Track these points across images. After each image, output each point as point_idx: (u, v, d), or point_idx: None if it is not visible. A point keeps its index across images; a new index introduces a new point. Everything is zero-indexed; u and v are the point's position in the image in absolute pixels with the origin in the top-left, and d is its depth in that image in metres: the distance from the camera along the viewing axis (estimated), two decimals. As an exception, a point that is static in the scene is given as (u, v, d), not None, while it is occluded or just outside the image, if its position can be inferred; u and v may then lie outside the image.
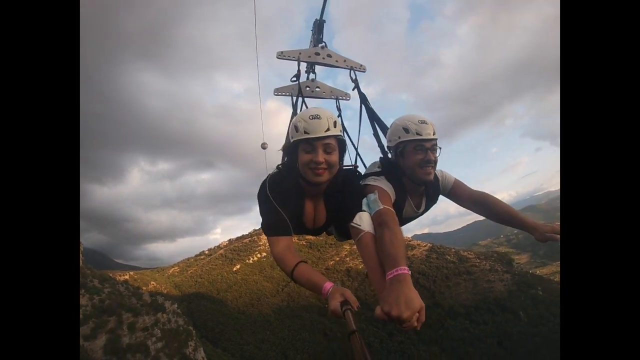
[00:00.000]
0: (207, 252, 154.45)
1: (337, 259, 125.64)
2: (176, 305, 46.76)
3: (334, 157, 1.83)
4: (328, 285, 1.54)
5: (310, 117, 1.79)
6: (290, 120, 2.12)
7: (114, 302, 41.16)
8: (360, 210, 1.85)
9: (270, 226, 1.82)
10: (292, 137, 1.85)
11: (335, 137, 1.83)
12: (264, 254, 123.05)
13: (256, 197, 1.94)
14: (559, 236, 1.76)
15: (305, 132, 1.77)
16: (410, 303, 1.29)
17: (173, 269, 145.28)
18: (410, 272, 1.43)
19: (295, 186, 1.93)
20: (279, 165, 2.03)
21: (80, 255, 52.73)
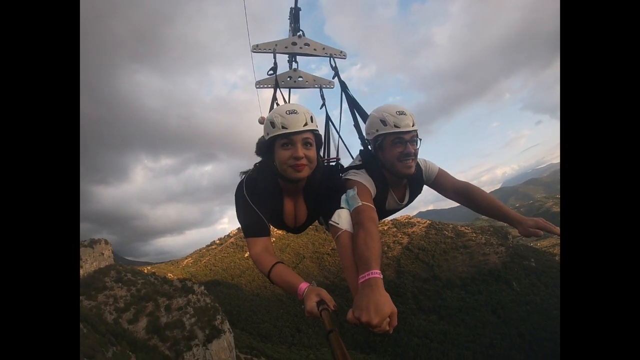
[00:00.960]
0: (217, 241, 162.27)
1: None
2: (203, 287, 54.63)
3: (313, 152, 1.78)
4: (303, 285, 1.51)
5: (287, 112, 1.75)
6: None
7: (149, 289, 48.88)
8: (339, 207, 1.82)
9: (248, 227, 1.82)
10: (268, 134, 1.79)
11: (312, 132, 1.79)
12: (273, 238, 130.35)
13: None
14: (542, 232, 1.77)
15: (283, 127, 1.72)
16: (380, 309, 1.26)
17: (187, 260, 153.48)
18: (382, 276, 1.41)
19: (273, 185, 1.90)
20: (256, 164, 1.96)
21: (112, 254, 59.96)
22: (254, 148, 1.99)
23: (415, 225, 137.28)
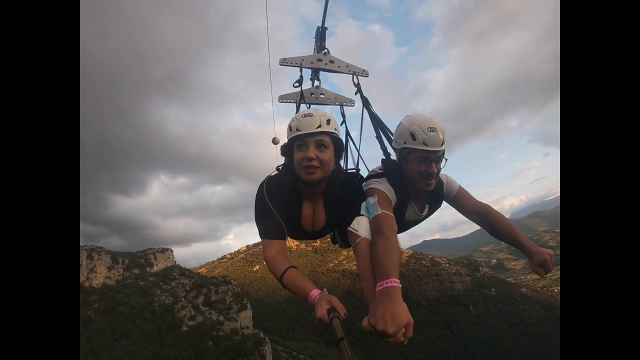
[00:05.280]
0: (228, 256, 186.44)
1: (336, 262, 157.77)
2: (236, 282, 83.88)
3: (327, 155, 1.77)
4: (315, 292, 1.50)
5: (303, 116, 1.77)
6: None
7: (204, 280, 78.38)
8: (359, 214, 1.83)
9: (265, 229, 1.81)
10: (287, 138, 1.83)
11: (329, 134, 1.78)
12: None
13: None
14: (544, 273, 1.82)
15: (298, 130, 1.74)
16: (397, 318, 1.23)
17: (200, 269, 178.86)
18: (401, 285, 1.37)
19: (293, 188, 1.88)
20: (278, 166, 1.97)
21: (174, 258, 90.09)
22: (263, 174, 1.99)
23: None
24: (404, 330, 1.24)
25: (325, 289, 1.55)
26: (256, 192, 1.89)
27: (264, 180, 1.90)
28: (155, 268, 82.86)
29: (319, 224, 2.04)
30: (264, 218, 1.82)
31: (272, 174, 1.95)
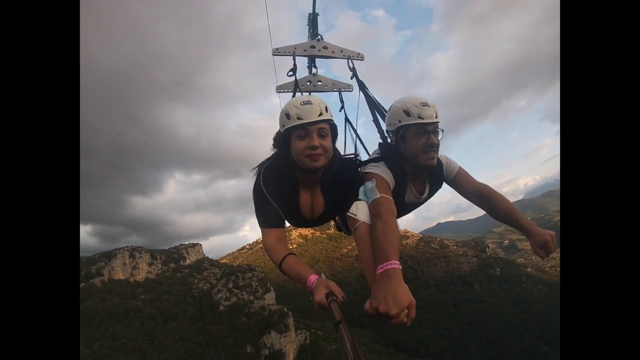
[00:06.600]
0: (247, 246, 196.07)
1: (350, 247, 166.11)
2: (259, 268, 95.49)
3: (328, 142, 1.78)
4: (313, 277, 1.54)
5: (302, 103, 1.75)
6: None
7: (231, 269, 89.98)
8: (357, 199, 1.83)
9: (263, 218, 1.83)
10: (284, 125, 1.78)
11: (328, 122, 1.79)
12: (295, 245, 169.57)
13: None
14: (544, 255, 1.80)
15: (299, 118, 1.72)
16: (399, 300, 1.24)
17: (223, 261, 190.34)
18: (401, 267, 1.39)
19: (290, 176, 1.89)
20: (273, 155, 1.97)
21: (203, 251, 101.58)
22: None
23: (409, 237, 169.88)
24: (406, 311, 1.25)
25: (322, 274, 1.59)
26: (253, 182, 1.92)
27: (260, 171, 1.93)
28: (188, 261, 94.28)
29: (317, 211, 2.06)
30: (261, 207, 1.85)
31: (268, 164, 1.96)
